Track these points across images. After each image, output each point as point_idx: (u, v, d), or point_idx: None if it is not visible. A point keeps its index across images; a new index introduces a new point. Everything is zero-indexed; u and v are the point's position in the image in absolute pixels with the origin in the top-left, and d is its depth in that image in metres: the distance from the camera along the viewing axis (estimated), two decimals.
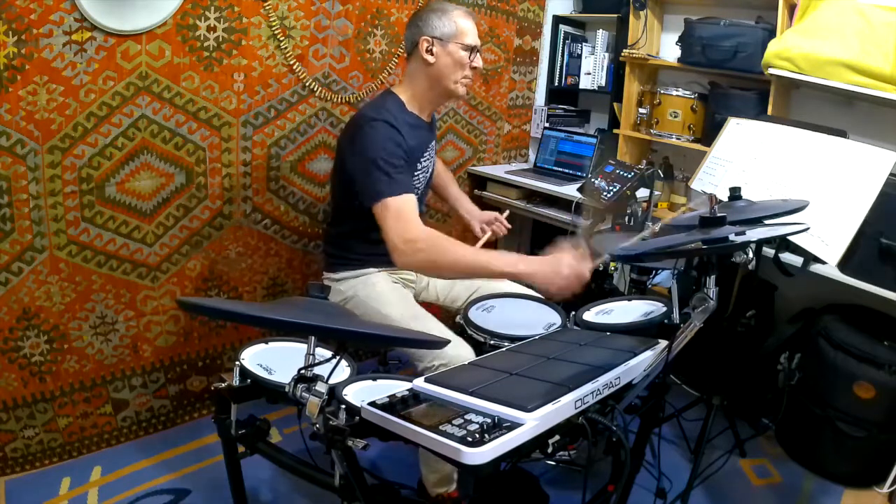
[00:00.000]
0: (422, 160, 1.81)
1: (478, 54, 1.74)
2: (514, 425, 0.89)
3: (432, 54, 1.69)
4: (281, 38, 2.08)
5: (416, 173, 1.77)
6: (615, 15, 2.86)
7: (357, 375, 1.35)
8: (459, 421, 0.90)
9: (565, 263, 1.47)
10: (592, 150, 2.85)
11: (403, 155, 1.63)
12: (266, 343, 1.51)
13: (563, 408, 0.97)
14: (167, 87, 1.88)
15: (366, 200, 1.59)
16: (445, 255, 1.50)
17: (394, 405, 0.99)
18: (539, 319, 1.70)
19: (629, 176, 2.33)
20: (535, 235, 3.26)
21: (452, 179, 2.23)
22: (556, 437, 0.97)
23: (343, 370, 1.37)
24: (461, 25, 1.70)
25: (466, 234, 2.17)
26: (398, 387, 1.10)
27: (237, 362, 1.37)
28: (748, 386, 2.32)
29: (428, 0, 2.43)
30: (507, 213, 2.13)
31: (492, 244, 2.40)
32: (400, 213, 1.53)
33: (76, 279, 1.86)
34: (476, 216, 2.13)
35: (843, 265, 1.91)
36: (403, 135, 1.65)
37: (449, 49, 1.69)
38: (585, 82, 3.06)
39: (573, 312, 1.66)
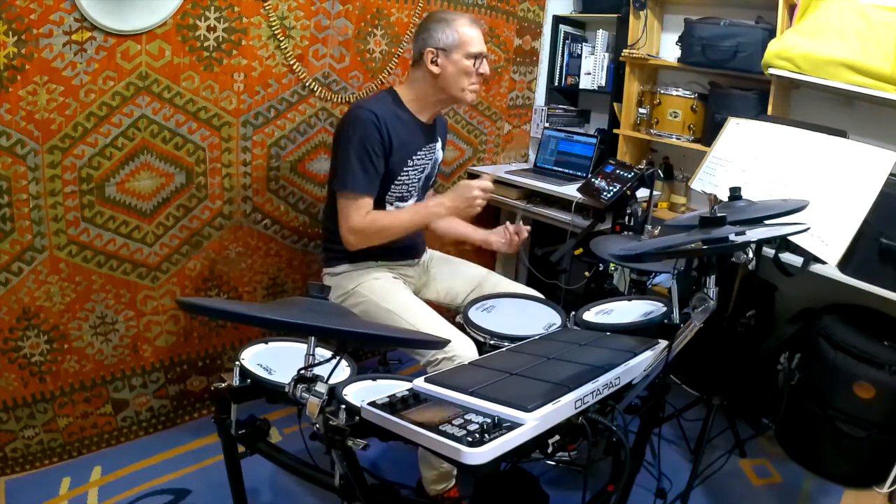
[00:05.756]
0: (414, 158, 1.82)
1: (483, 61, 1.76)
2: (514, 425, 0.89)
3: (437, 65, 1.73)
4: (281, 38, 2.08)
5: (405, 169, 1.81)
6: (615, 15, 2.86)
7: (357, 375, 1.35)
8: (459, 421, 0.91)
9: (463, 185, 1.74)
10: (592, 150, 2.85)
11: (381, 142, 1.70)
12: (266, 343, 1.51)
13: (563, 408, 0.97)
14: (167, 87, 1.88)
15: (335, 181, 1.73)
16: (385, 233, 1.75)
17: (394, 405, 0.99)
18: (539, 319, 1.70)
19: (629, 176, 2.33)
20: (535, 235, 3.25)
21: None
22: (556, 437, 0.98)
23: (343, 370, 1.37)
24: (465, 35, 1.73)
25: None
26: (398, 387, 1.11)
27: (237, 362, 1.37)
28: (748, 386, 2.32)
29: (427, 5, 2.44)
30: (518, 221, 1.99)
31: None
32: (359, 209, 1.71)
33: (76, 279, 1.86)
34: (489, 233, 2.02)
35: (843, 265, 1.92)
36: (389, 126, 1.71)
37: (453, 59, 1.73)
38: (585, 82, 3.06)
39: (573, 312, 1.66)
